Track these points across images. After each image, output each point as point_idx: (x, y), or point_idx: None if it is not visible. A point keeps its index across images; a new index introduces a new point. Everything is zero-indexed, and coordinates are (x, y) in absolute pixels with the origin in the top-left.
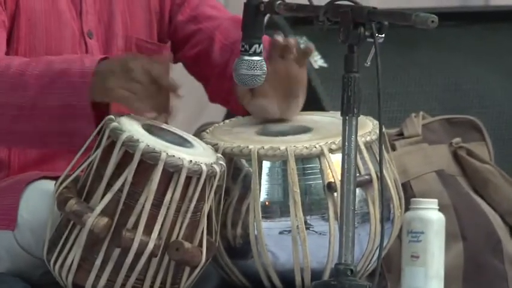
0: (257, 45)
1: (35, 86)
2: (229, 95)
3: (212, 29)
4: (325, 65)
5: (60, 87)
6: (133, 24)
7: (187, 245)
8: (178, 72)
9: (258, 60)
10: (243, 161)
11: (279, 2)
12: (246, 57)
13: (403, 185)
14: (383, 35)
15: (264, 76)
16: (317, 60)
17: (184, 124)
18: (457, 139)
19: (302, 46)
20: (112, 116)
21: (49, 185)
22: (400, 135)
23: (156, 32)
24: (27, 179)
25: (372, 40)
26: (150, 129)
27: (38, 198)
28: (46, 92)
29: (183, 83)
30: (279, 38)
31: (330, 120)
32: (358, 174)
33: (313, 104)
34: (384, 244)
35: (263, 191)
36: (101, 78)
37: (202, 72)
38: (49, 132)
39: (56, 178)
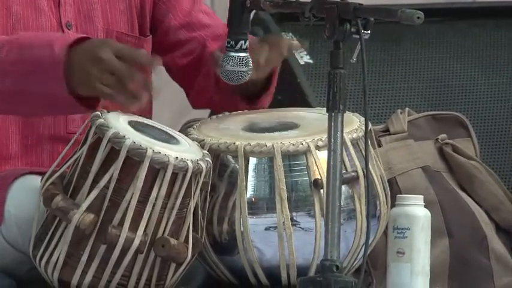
0: (243, 42)
1: (12, 75)
2: (214, 95)
3: (205, 37)
4: (310, 61)
5: (39, 78)
6: (113, 17)
7: (173, 241)
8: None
9: (244, 57)
10: (230, 157)
11: None
12: (232, 54)
13: (389, 181)
14: (369, 31)
15: (250, 72)
16: (303, 56)
17: (171, 120)
18: (443, 135)
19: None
20: (98, 113)
21: (36, 181)
22: (386, 131)
23: (138, 25)
24: (14, 174)
25: (357, 36)
26: (136, 125)
27: (25, 194)
28: (25, 80)
29: (169, 79)
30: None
31: (316, 116)
32: (344, 171)
33: (299, 100)
34: (370, 241)
35: (249, 188)
36: (75, 74)
37: (189, 80)
38: (35, 110)
39: (43, 173)
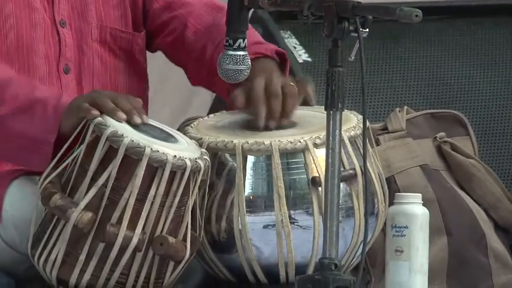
0: (241, 40)
1: (10, 105)
2: (209, 78)
3: (186, 15)
4: (309, 59)
5: (34, 115)
6: (107, 14)
7: (171, 239)
8: (163, 66)
9: (242, 55)
10: (228, 156)
11: None
12: (231, 52)
13: (387, 179)
14: (367, 30)
15: (248, 71)
16: (301, 55)
17: (171, 117)
18: (441, 133)
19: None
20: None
21: (34, 180)
22: (384, 129)
23: (131, 21)
24: (11, 174)
25: (356, 34)
26: (134, 124)
27: (22, 194)
28: (19, 114)
29: (168, 77)
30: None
31: (314, 114)
32: (342, 169)
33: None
34: (368, 238)
35: (247, 186)
36: (69, 113)
37: (180, 58)
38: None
39: (40, 174)
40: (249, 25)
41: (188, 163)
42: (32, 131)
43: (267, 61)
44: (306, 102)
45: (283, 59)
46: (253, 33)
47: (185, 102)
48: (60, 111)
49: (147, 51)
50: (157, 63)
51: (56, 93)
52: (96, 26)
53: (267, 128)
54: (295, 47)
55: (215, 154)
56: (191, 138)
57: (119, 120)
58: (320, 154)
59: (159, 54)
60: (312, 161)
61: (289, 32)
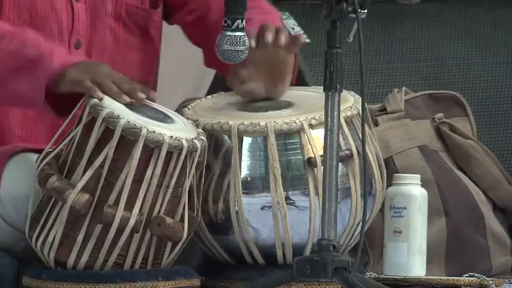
0: (240, 21)
1: (2, 64)
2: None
3: None
4: (307, 40)
5: (25, 76)
6: None
7: (168, 220)
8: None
9: (241, 36)
10: (225, 137)
11: None
12: (229, 33)
13: (385, 160)
14: (366, 11)
15: (247, 52)
16: None
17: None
18: (440, 114)
19: (293, 33)
20: None
21: (32, 158)
22: (383, 110)
23: None
24: (9, 151)
25: (354, 15)
26: (131, 105)
27: (20, 172)
28: (12, 74)
29: (181, 60)
30: (269, 25)
31: (310, 95)
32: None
33: (296, 79)
34: (366, 219)
35: (244, 167)
36: (68, 83)
37: (199, 37)
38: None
39: (38, 150)
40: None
41: (185, 143)
42: (23, 90)
43: None
44: (303, 83)
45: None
46: (272, 19)
47: (198, 83)
48: (51, 74)
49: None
50: (171, 46)
51: (48, 50)
52: (112, 1)
53: (262, 109)
54: (293, 28)
55: (211, 135)
56: (188, 119)
57: (123, 102)
58: (316, 135)
59: (173, 37)
60: (308, 142)
61: (287, 13)
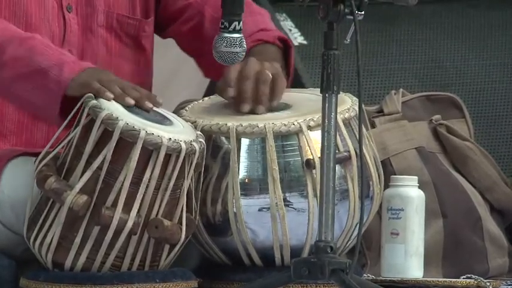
0: (237, 22)
1: (11, 70)
2: (223, 71)
3: (201, 3)
4: (304, 42)
5: (35, 85)
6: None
7: (166, 222)
8: (177, 57)
9: (238, 38)
10: (223, 139)
11: None
12: (226, 35)
13: (383, 162)
14: (363, 12)
15: (244, 53)
16: (297, 37)
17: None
18: (437, 116)
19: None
20: (91, 94)
21: (30, 162)
22: (380, 112)
23: (140, 7)
24: (8, 155)
25: (351, 17)
26: (129, 107)
27: (19, 175)
28: (21, 81)
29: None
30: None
31: (308, 97)
32: (336, 151)
33: (293, 81)
34: (363, 221)
35: (242, 169)
36: (76, 86)
37: (195, 47)
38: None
39: (37, 154)
40: (264, 10)
41: (183, 146)
42: (36, 100)
43: (266, 46)
44: (300, 84)
45: (287, 46)
46: (262, 20)
47: (204, 84)
48: (64, 86)
49: (160, 39)
50: (171, 54)
51: (57, 60)
52: (103, 11)
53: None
54: (290, 30)
55: (210, 137)
56: (186, 121)
57: (128, 104)
58: (314, 136)
59: (173, 45)
60: (306, 144)
61: (284, 15)
